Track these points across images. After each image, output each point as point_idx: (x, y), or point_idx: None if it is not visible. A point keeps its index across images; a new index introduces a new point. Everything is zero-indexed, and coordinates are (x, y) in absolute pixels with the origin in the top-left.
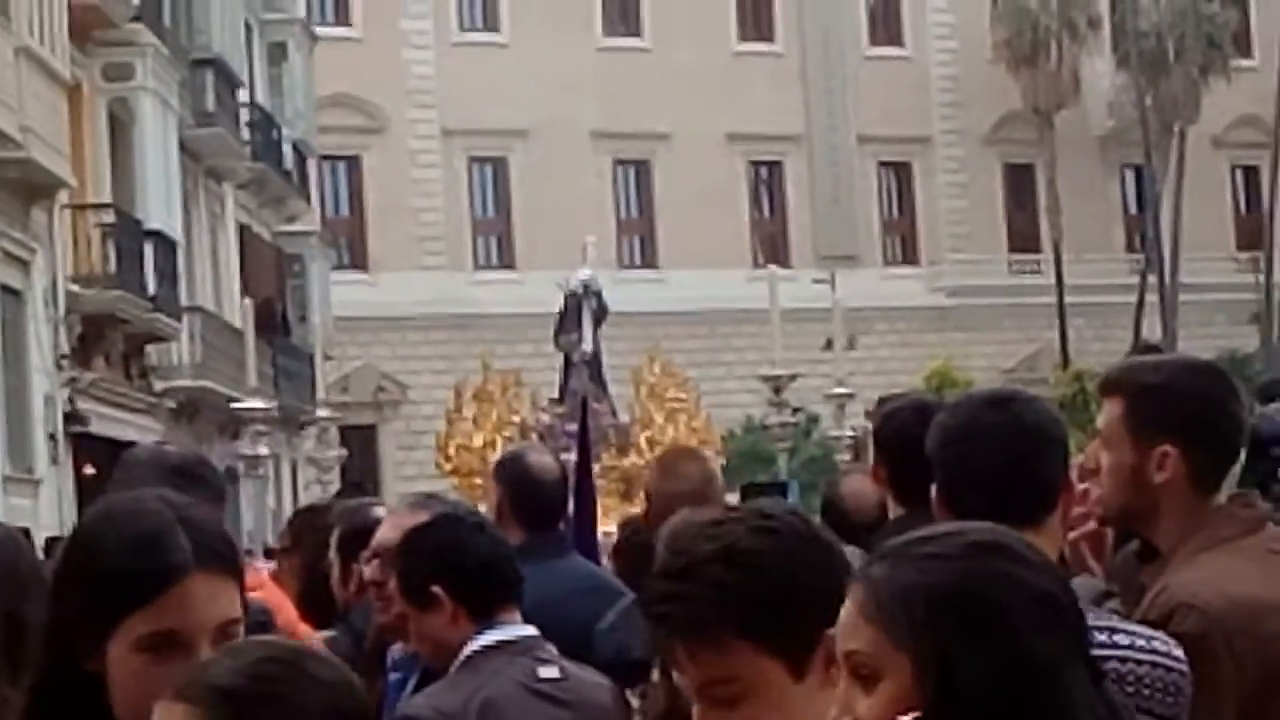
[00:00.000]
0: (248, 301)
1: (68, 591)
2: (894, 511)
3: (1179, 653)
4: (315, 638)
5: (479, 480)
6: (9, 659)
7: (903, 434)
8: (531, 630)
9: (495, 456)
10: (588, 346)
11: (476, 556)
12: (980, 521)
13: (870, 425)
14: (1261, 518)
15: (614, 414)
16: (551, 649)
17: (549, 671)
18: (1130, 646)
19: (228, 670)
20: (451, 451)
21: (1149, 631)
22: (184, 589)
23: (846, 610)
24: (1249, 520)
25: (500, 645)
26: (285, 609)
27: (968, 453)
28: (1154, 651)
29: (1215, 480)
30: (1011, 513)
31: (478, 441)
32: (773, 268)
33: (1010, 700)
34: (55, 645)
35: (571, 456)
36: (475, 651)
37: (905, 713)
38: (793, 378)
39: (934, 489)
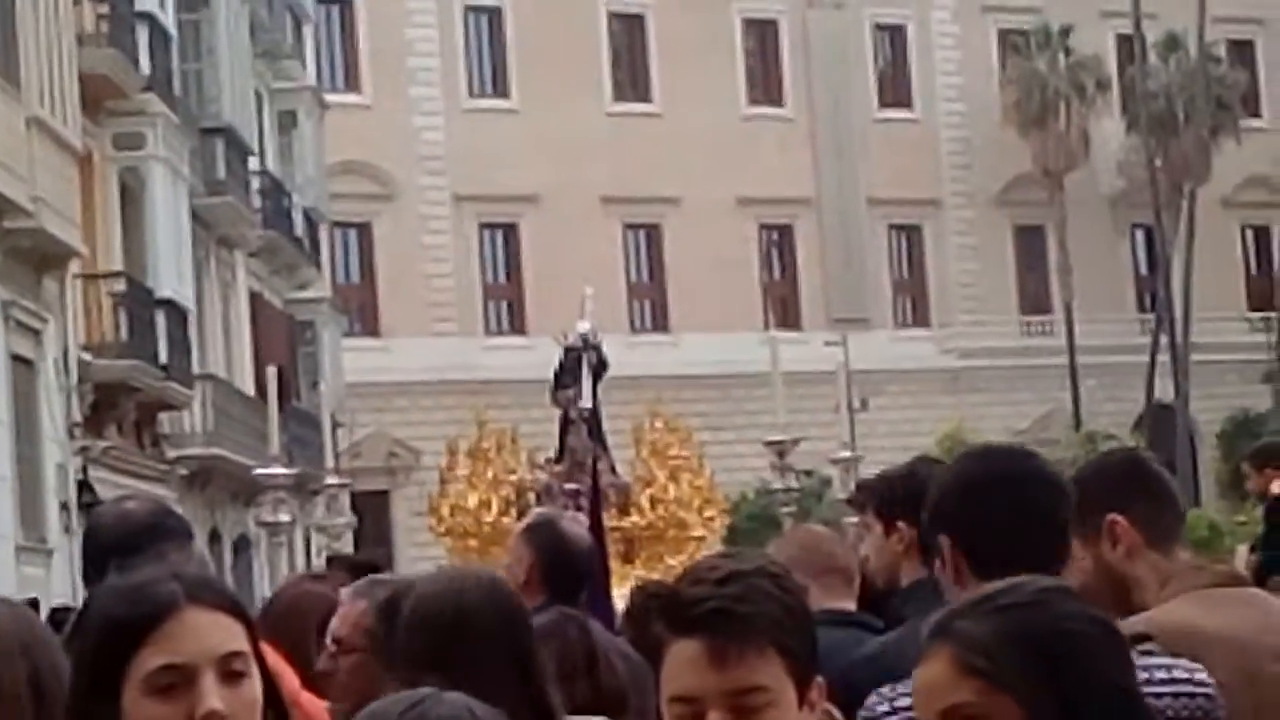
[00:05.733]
0: (271, 369)
1: (79, 658)
2: (913, 574)
3: (1203, 676)
4: (320, 706)
5: (473, 542)
6: None
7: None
8: None
9: (490, 517)
10: (586, 403)
11: None
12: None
13: (878, 490)
14: (1236, 575)
15: (613, 472)
16: None
17: None
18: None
19: None
20: (445, 513)
21: (1170, 660)
22: (179, 621)
23: (934, 670)
24: (1221, 574)
25: None
26: (287, 676)
27: (985, 502)
28: (1175, 681)
29: (1170, 533)
30: (1027, 561)
31: (472, 502)
32: (774, 331)
33: None
34: (78, 715)
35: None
36: None
37: None
38: (796, 442)
39: (944, 541)
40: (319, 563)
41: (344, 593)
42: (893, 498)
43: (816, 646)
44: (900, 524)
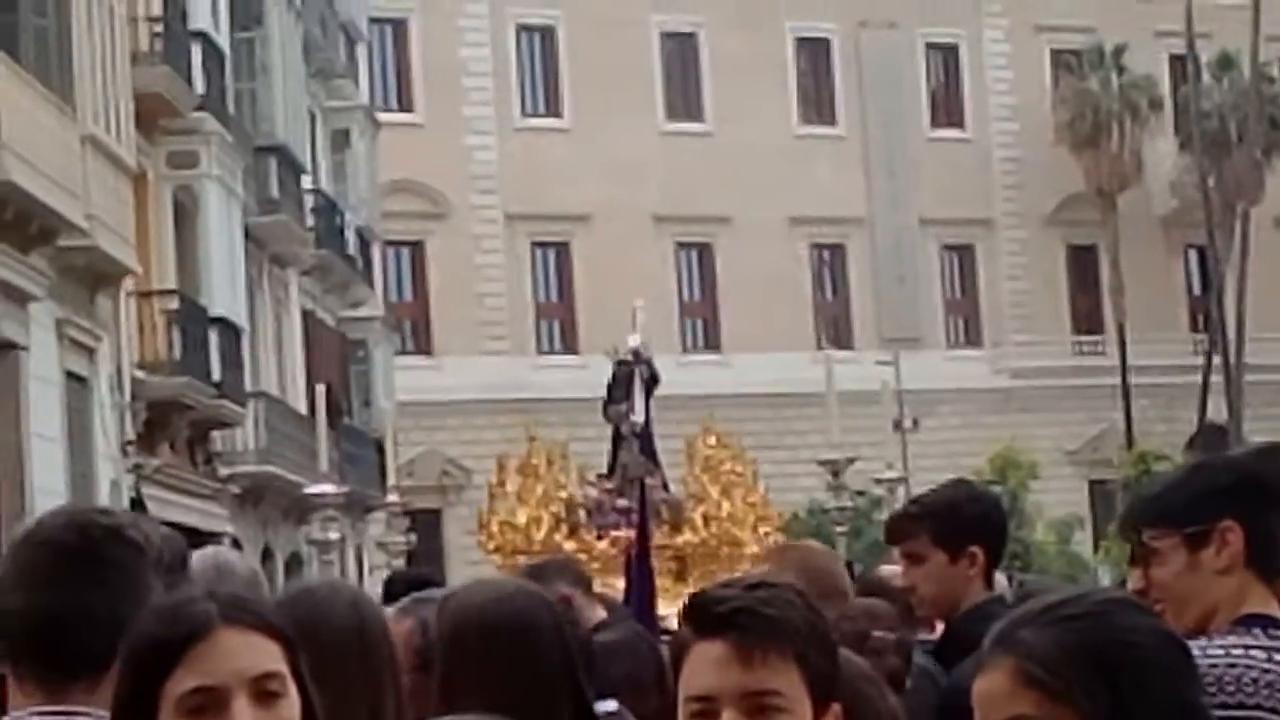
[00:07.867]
0: (320, 387)
1: (120, 678)
2: (975, 596)
3: None
4: None
5: (523, 559)
6: None
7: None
8: None
9: (540, 534)
10: (638, 417)
11: None
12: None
13: (937, 515)
14: None
15: (666, 488)
16: None
17: None
18: None
19: None
20: (494, 529)
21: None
22: (212, 642)
23: (995, 680)
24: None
25: None
26: None
27: None
28: None
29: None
30: None
31: (521, 518)
32: (829, 351)
33: None
34: None
35: (622, 534)
36: None
37: None
38: (850, 461)
39: (1233, 526)
40: (372, 580)
41: (389, 612)
42: (961, 523)
43: (838, 672)
44: (973, 548)
